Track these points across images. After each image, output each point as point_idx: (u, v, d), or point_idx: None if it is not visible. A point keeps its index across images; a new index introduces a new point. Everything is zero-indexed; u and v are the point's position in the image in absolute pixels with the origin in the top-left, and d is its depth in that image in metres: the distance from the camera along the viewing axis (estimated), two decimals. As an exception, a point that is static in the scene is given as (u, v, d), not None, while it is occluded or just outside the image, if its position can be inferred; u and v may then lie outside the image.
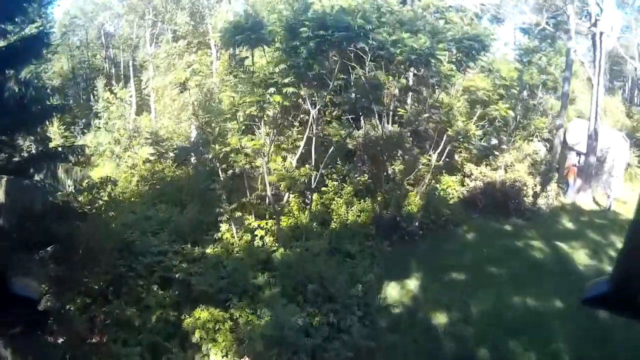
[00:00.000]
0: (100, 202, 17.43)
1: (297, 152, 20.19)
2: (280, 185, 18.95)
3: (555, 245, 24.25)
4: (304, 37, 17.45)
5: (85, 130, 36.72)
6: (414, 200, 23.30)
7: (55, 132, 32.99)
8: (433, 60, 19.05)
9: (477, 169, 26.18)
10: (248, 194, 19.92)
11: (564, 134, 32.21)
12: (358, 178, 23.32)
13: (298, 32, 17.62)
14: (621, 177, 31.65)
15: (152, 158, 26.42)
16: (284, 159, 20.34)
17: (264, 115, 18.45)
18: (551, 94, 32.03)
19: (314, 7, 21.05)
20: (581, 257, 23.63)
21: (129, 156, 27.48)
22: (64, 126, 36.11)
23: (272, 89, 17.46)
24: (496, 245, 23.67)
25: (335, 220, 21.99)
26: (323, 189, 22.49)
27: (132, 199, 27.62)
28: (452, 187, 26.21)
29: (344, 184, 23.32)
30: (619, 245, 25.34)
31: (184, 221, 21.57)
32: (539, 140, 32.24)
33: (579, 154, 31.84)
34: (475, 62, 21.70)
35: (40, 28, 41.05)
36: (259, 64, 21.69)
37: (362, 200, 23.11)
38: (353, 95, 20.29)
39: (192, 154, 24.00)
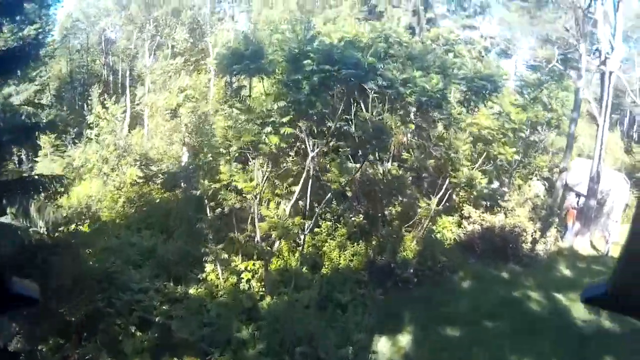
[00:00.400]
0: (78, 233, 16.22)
1: (292, 198, 18.64)
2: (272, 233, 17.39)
3: (554, 297, 23.00)
4: (308, 70, 15.87)
5: (77, 141, 35.06)
6: (410, 245, 21.99)
7: (46, 140, 31.61)
8: (444, 103, 17.47)
9: (476, 212, 24.79)
10: (236, 232, 18.45)
11: (565, 176, 30.92)
12: (353, 219, 21.82)
13: (301, 65, 16.08)
14: (619, 219, 30.27)
15: (139, 180, 24.87)
16: (278, 204, 18.77)
17: (259, 155, 16.81)
18: (553, 131, 30.60)
19: (321, 36, 19.79)
20: (580, 311, 22.37)
21: (117, 175, 25.93)
22: (55, 134, 34.57)
23: (268, 128, 15.86)
24: (493, 296, 22.54)
25: (326, 264, 20.55)
26: (316, 229, 21.02)
27: (117, 221, 26.43)
28: (448, 229, 24.85)
29: (338, 224, 21.86)
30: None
31: (169, 251, 20.28)
32: (538, 179, 30.97)
33: (578, 195, 30.65)
34: (486, 103, 20.21)
35: (39, 30, 39.97)
36: (257, 94, 20.18)
37: (355, 244, 21.66)
38: (356, 139, 18.47)
39: (181, 180, 22.44)
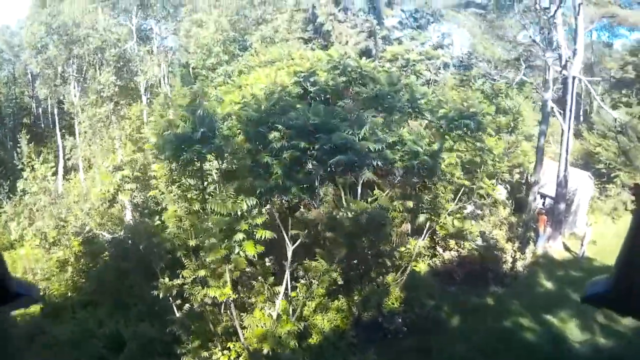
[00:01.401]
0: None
1: (277, 300, 15.46)
2: (263, 346, 14.12)
3: (544, 319, 21.45)
4: (277, 147, 12.52)
5: (11, 195, 30.57)
6: (394, 293, 19.46)
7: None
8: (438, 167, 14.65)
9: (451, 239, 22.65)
10: (213, 328, 15.33)
11: (527, 177, 29.35)
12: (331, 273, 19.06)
13: (267, 142, 12.70)
14: (589, 219, 29.08)
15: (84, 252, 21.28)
16: (261, 308, 15.52)
17: (232, 267, 13.33)
18: (513, 134, 28.79)
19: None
20: (573, 330, 21.23)
21: (59, 249, 22.16)
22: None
23: (240, 235, 12.40)
24: (484, 329, 20.70)
25: (312, 332, 17.80)
26: (292, 293, 18.14)
27: (69, 294, 23.00)
28: (424, 262, 22.62)
29: (314, 281, 19.08)
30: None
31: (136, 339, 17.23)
32: (500, 183, 29.16)
33: (543, 196, 29.09)
34: (467, 143, 17.76)
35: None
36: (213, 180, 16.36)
37: (336, 300, 18.99)
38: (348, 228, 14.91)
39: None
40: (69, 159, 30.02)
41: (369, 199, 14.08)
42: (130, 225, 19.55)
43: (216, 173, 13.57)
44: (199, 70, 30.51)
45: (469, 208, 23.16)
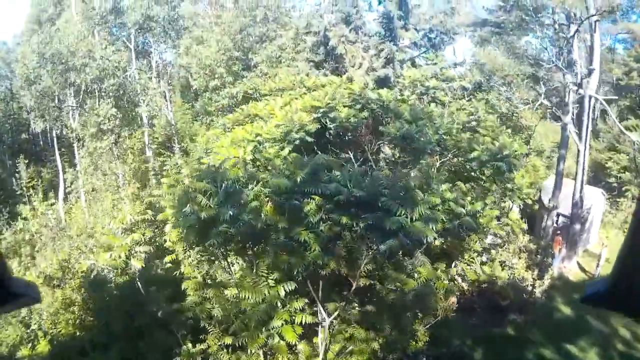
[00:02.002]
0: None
1: None
2: None
3: (566, 350, 20.75)
4: (314, 221, 11.06)
5: (12, 222, 29.14)
6: (420, 331, 18.43)
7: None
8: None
9: (470, 268, 21.69)
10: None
11: (540, 194, 28.45)
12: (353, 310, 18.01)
13: (300, 216, 11.03)
14: (604, 239, 28.34)
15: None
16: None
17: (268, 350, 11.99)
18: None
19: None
20: (594, 360, 20.52)
21: (63, 290, 20.80)
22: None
23: (278, 322, 11.05)
24: (509, 365, 19.80)
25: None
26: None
27: (76, 333, 21.73)
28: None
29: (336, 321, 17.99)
30: (621, 331, 22.74)
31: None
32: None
33: (557, 215, 28.15)
34: (498, 184, 16.76)
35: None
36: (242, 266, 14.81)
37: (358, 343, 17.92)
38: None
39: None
40: (69, 192, 28.46)
41: (410, 266, 12.98)
42: (143, 274, 18.28)
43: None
44: (201, 92, 29.19)
45: (489, 237, 22.27)
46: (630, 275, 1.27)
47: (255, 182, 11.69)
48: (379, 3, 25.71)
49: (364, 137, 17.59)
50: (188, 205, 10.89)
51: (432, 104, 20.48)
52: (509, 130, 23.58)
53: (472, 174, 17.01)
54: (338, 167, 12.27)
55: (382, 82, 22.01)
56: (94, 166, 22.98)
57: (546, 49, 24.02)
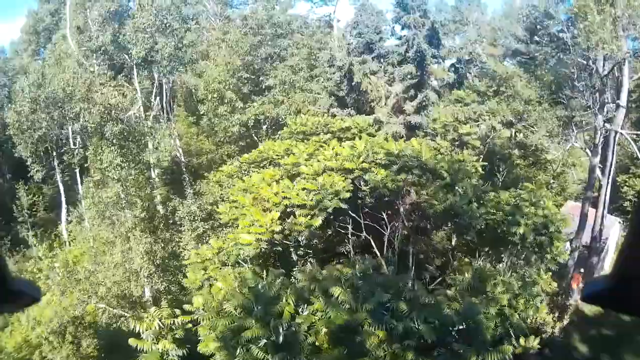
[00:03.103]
0: None
1: None
2: None
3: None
4: (379, 355, 9.60)
5: (14, 251, 27.46)
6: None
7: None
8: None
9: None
10: None
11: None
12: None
13: (362, 350, 9.70)
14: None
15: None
16: None
17: None
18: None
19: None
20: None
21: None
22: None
23: None
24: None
25: None
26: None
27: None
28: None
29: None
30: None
31: None
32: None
33: (576, 246, 27.45)
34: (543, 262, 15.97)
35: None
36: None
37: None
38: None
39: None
40: (73, 239, 26.35)
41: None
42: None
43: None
44: (210, 116, 27.16)
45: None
46: (632, 273, 1.17)
47: (308, 309, 10.36)
48: (402, 28, 23.94)
49: (403, 206, 16.32)
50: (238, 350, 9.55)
51: (466, 151, 19.23)
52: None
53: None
54: (397, 290, 11.00)
55: (414, 127, 20.65)
56: (100, 217, 21.05)
57: (582, 90, 22.72)
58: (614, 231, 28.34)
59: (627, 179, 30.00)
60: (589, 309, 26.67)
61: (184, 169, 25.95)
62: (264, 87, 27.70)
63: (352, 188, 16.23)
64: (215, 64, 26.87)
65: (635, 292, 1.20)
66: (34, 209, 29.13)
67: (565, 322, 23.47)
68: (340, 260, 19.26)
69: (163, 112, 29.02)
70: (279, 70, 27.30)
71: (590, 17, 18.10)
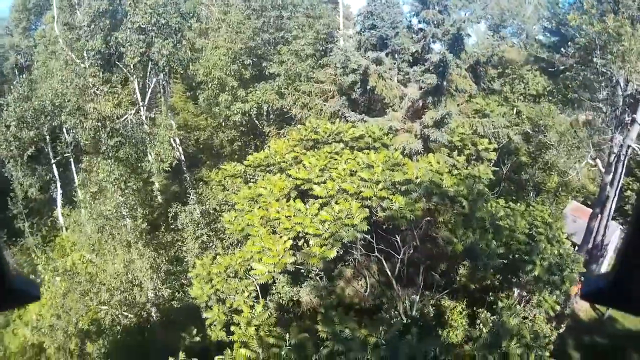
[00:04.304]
0: None
1: None
2: None
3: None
4: None
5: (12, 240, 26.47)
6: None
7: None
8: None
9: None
10: None
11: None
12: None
13: None
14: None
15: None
16: None
17: None
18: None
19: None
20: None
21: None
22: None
23: None
24: None
25: None
26: None
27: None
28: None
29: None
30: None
31: None
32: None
33: (573, 245, 27.33)
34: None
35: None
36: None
37: None
38: None
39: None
40: (69, 226, 24.84)
41: None
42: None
43: None
44: (210, 101, 25.32)
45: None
46: (631, 270, 1.19)
47: None
48: (420, 22, 22.14)
49: (417, 233, 15.66)
50: None
51: (482, 166, 18.31)
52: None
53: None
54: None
55: (433, 141, 19.52)
56: (99, 230, 19.61)
57: (603, 111, 21.78)
58: (615, 237, 28.24)
59: (630, 182, 29.63)
60: (585, 313, 26.96)
61: (185, 169, 24.50)
62: (267, 73, 25.94)
63: (368, 215, 15.37)
64: (215, 44, 24.89)
65: (634, 289, 1.19)
66: (27, 193, 27.62)
67: (562, 329, 23.58)
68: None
69: (159, 88, 27.02)
70: (283, 55, 25.51)
71: (626, 43, 17.02)
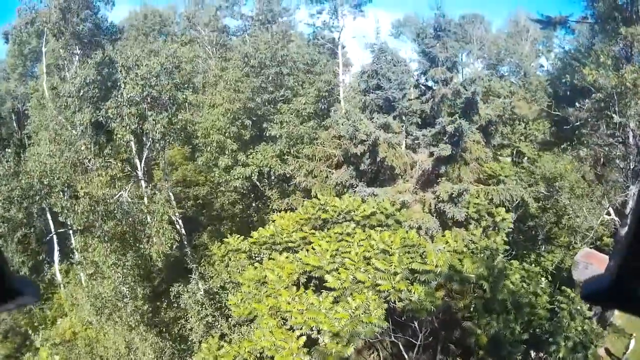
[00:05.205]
0: None
1: None
2: None
3: None
4: None
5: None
6: None
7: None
8: None
9: None
10: None
11: (570, 270, 26.86)
12: None
13: None
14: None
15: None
16: None
17: None
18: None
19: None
20: None
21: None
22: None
23: None
24: None
25: None
26: None
27: None
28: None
29: None
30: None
31: None
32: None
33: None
34: None
35: None
36: None
37: None
38: None
39: None
40: (68, 283, 23.67)
41: None
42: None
43: None
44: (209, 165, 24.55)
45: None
46: (632, 271, 1.16)
47: None
48: (427, 80, 21.49)
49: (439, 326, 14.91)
50: None
51: (498, 238, 17.62)
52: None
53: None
54: None
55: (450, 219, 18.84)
56: (98, 312, 18.62)
57: (617, 164, 21.38)
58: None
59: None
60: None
61: (186, 243, 23.49)
62: (267, 134, 25.09)
63: (385, 307, 14.58)
64: (212, 102, 24.13)
65: (634, 290, 1.17)
66: (25, 242, 26.57)
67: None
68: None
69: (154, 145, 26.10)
70: (284, 114, 24.69)
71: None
